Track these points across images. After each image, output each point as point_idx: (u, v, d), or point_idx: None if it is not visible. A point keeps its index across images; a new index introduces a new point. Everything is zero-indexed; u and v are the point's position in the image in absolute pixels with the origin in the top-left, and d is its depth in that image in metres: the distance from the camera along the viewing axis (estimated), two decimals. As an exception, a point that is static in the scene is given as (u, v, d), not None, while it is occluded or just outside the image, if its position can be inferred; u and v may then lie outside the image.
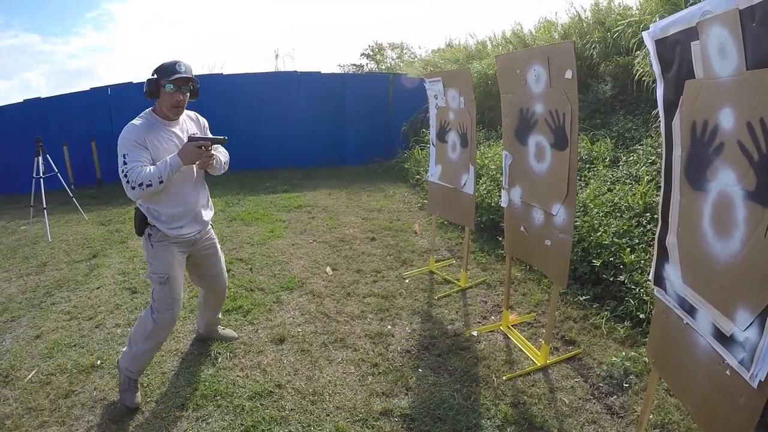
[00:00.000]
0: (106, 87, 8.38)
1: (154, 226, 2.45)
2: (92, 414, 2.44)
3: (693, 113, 1.43)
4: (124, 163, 2.24)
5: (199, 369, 2.81)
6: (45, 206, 5.61)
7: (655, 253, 1.75)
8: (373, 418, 2.37)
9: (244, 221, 5.84)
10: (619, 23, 5.94)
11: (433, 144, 4.16)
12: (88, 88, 8.39)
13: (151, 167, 2.28)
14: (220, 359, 2.89)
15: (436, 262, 4.34)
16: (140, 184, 2.21)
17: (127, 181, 2.22)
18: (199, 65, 23.89)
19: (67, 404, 2.51)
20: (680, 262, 1.57)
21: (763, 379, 1.18)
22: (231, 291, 3.80)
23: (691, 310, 1.51)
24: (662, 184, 1.67)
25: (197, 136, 2.49)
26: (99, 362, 2.88)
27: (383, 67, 17.51)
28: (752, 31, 1.17)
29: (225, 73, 8.95)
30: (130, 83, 8.42)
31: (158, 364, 2.86)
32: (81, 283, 4.12)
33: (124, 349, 2.62)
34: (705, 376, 1.45)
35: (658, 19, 4.93)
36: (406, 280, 4.02)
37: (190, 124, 2.57)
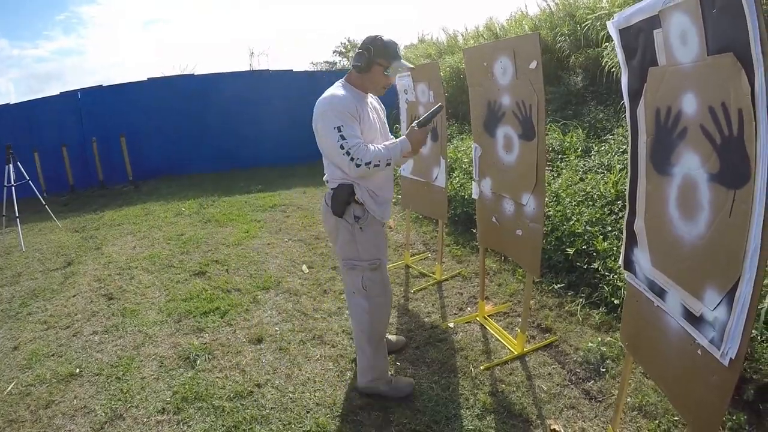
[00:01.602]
0: (77, 91, 8.18)
1: (364, 207, 2.27)
2: (73, 423, 2.41)
3: (657, 100, 1.47)
4: (342, 137, 2.06)
5: (179, 372, 2.78)
6: (17, 215, 5.47)
7: (624, 238, 1.79)
8: (353, 412, 2.37)
9: (219, 222, 5.76)
10: (588, 16, 6.05)
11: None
12: (57, 93, 8.16)
13: (379, 146, 2.15)
14: (198, 361, 2.86)
15: (411, 256, 4.35)
16: (367, 163, 2.07)
17: (351, 158, 2.06)
18: (170, 66, 23.52)
19: (48, 414, 2.48)
20: (648, 246, 1.61)
21: (733, 357, 1.21)
22: (207, 293, 3.78)
23: (660, 293, 1.55)
24: (629, 171, 1.71)
25: (422, 118, 2.26)
26: (78, 370, 2.85)
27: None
28: (712, 17, 1.20)
29: (196, 73, 8.82)
30: (101, 86, 8.22)
31: (137, 369, 2.83)
32: (57, 291, 4.04)
33: (357, 371, 2.50)
34: (677, 357, 1.49)
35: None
36: (383, 276, 4.03)
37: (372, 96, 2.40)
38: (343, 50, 19.53)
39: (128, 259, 4.64)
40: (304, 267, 4.28)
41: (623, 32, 1.58)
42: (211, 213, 6.19)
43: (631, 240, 1.73)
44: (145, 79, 8.47)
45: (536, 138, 2.39)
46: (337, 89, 2.20)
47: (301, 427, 2.29)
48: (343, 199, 2.22)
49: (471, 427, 2.23)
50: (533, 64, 2.25)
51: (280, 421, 2.33)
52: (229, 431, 2.28)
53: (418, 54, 11.38)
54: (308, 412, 2.39)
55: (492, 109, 2.74)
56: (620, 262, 1.84)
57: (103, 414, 2.45)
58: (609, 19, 1.66)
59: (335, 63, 19.58)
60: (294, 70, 9.18)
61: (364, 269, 2.31)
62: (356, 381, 2.53)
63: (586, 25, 6.01)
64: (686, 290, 1.39)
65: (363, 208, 2.26)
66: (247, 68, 13.25)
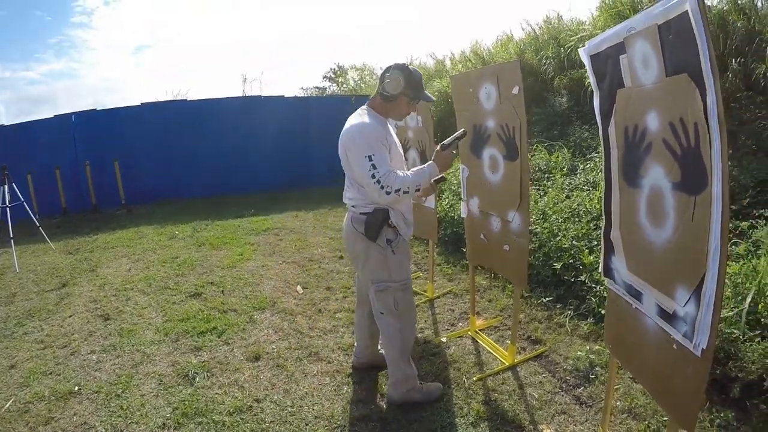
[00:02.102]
0: (71, 114, 8.27)
1: (396, 230, 2.35)
2: None
3: (625, 119, 1.62)
4: (374, 167, 2.13)
5: (178, 389, 2.81)
6: (12, 236, 5.48)
7: (602, 247, 1.92)
8: (351, 424, 2.43)
9: (213, 246, 5.82)
10: (571, 38, 6.34)
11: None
12: (51, 116, 8.25)
13: (407, 173, 2.24)
14: (197, 379, 2.90)
15: None
16: (397, 190, 2.17)
17: (381, 187, 2.14)
18: (162, 91, 23.75)
19: (48, 431, 2.50)
20: (624, 252, 1.74)
21: (705, 347, 1.32)
22: (204, 313, 3.83)
23: (637, 295, 1.68)
24: (603, 185, 1.85)
25: (446, 141, 2.35)
26: (77, 388, 2.87)
27: (346, 88, 17.81)
28: (669, 43, 1.35)
29: (189, 98, 9.00)
30: (95, 110, 8.35)
31: (136, 386, 2.86)
32: (52, 312, 4.06)
33: (388, 385, 2.57)
34: (656, 353, 1.61)
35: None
36: (375, 295, 4.12)
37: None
38: (333, 75, 19.93)
39: (123, 281, 4.66)
40: (299, 288, 4.35)
41: (593, 58, 1.74)
42: (205, 236, 6.25)
43: (609, 248, 1.86)
44: (139, 103, 8.63)
45: (519, 158, 2.54)
46: (364, 116, 2.27)
47: None
48: (377, 224, 2.29)
49: (466, 435, 2.31)
50: (515, 90, 2.41)
51: None
52: None
53: (407, 79, 11.69)
54: (307, 424, 2.44)
55: (478, 132, 2.89)
56: (600, 269, 1.96)
57: (104, 430, 2.47)
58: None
59: (325, 88, 19.97)
60: (286, 95, 9.37)
61: (395, 290, 2.40)
62: (349, 393, 2.61)
63: (570, 47, 6.29)
64: (659, 290, 1.51)
65: (395, 232, 2.35)
66: (240, 94, 13.45)
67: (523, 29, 8.24)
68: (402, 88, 2.26)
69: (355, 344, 2.95)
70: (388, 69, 2.31)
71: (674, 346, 1.46)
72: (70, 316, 3.94)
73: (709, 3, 5.45)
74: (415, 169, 2.31)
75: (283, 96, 9.34)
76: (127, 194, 8.15)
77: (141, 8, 44.50)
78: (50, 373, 3.06)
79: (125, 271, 5.01)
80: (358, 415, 2.48)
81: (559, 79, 6.44)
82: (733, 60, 4.79)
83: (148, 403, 2.70)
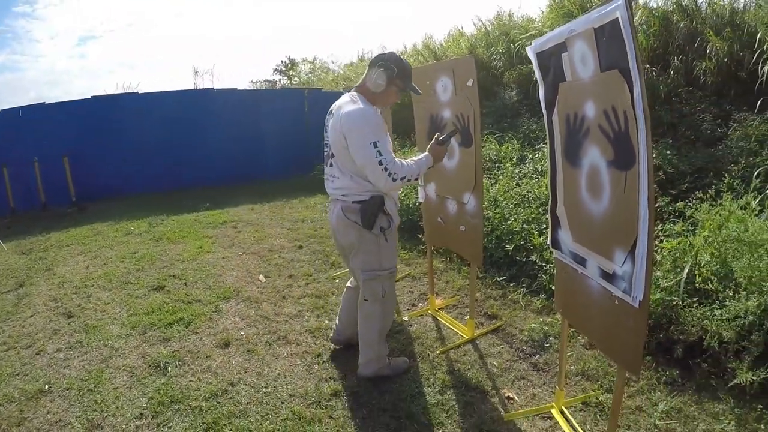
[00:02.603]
0: (18, 108, 7.80)
1: (390, 218, 2.42)
2: None
3: (566, 108, 1.86)
4: (380, 153, 2.17)
5: (151, 380, 2.84)
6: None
7: (550, 222, 2.17)
8: (325, 399, 2.57)
9: (171, 240, 5.76)
10: (521, 36, 6.67)
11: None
12: (-5, 110, 7.76)
13: (409, 161, 2.31)
14: (170, 368, 2.94)
15: None
16: (402, 178, 2.22)
17: (389, 174, 2.18)
18: (113, 83, 22.62)
19: (22, 431, 2.48)
20: (569, 225, 1.99)
21: (641, 299, 1.57)
22: (169, 305, 3.83)
23: (582, 261, 1.93)
24: (549, 167, 2.09)
25: (442, 137, 2.47)
26: (47, 387, 2.84)
27: (296, 81, 17.66)
28: (603, 43, 1.58)
29: (140, 91, 8.71)
30: (43, 103, 7.93)
31: (108, 380, 2.86)
32: (12, 313, 3.93)
33: (360, 364, 2.68)
34: (600, 310, 1.86)
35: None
36: (336, 280, 4.25)
37: None
38: (284, 69, 19.70)
39: (83, 279, 4.56)
40: (261, 277, 4.43)
41: (539, 55, 1.97)
42: (162, 231, 6.15)
43: (556, 223, 2.11)
44: (89, 97, 8.27)
45: (474, 145, 2.75)
46: (359, 103, 2.30)
47: (278, 416, 2.46)
48: (374, 212, 2.36)
49: (434, 401, 2.51)
50: (470, 82, 2.61)
51: (257, 413, 2.48)
52: (210, 428, 2.39)
53: (359, 72, 11.77)
54: (283, 403, 2.56)
55: (435, 121, 3.08)
56: (549, 241, 2.21)
57: (80, 425, 2.47)
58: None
59: (275, 81, 19.71)
60: (238, 88, 9.27)
61: (384, 278, 2.52)
62: (357, 369, 2.74)
63: (519, 43, 6.62)
64: (600, 255, 1.76)
65: (388, 219, 2.44)
66: (190, 86, 13.09)
67: (474, 25, 8.53)
68: (394, 77, 2.35)
69: (337, 323, 3.03)
70: (381, 57, 2.37)
71: (616, 302, 1.71)
72: (31, 316, 3.83)
73: (654, 3, 5.92)
74: (416, 158, 2.40)
75: (235, 89, 9.23)
76: (78, 191, 7.81)
77: (88, -2, 42.10)
78: (17, 374, 3.00)
79: (83, 268, 4.88)
80: (330, 391, 2.63)
81: (509, 73, 6.76)
82: (675, 58, 5.22)
83: (123, 395, 2.71)
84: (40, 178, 7.54)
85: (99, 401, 2.67)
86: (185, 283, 4.32)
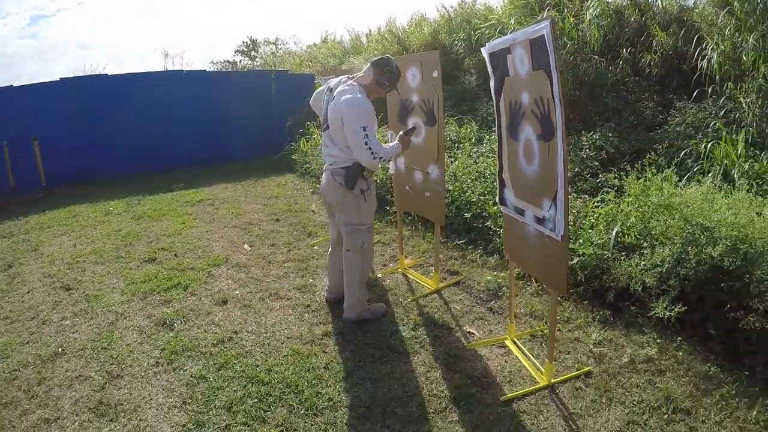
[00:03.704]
0: None
1: (368, 181, 2.98)
2: (72, 390, 2.67)
3: (509, 96, 2.43)
4: (366, 136, 2.72)
5: (160, 335, 3.17)
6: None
7: (498, 184, 2.77)
8: (318, 339, 3.08)
9: (152, 218, 6.02)
10: (482, 25, 7.16)
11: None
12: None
13: (386, 146, 2.90)
14: (175, 324, 3.30)
15: None
16: (381, 158, 2.79)
17: (372, 153, 2.74)
18: (80, 67, 21.61)
19: (44, 389, 2.68)
20: (512, 185, 2.59)
21: (563, 234, 2.16)
22: (163, 274, 4.16)
23: (521, 212, 2.54)
24: (497, 140, 2.67)
25: (406, 131, 3.10)
26: (60, 350, 3.07)
27: (258, 63, 17.70)
28: (535, 51, 2.14)
29: (110, 73, 8.71)
30: (10, 87, 7.84)
31: (120, 338, 3.16)
32: (7, 291, 4.09)
33: (345, 308, 3.21)
34: (536, 248, 2.47)
35: (513, 21, 6.18)
36: (315, 247, 4.73)
37: None
38: (245, 49, 19.61)
39: (73, 256, 4.78)
40: (246, 246, 4.84)
41: (491, 55, 2.54)
42: (142, 210, 6.39)
43: (502, 184, 2.72)
44: (58, 79, 8.21)
45: (437, 124, 3.29)
46: (358, 93, 2.84)
47: (280, 353, 2.93)
48: (355, 176, 2.93)
49: (409, 336, 3.07)
50: (435, 73, 3.15)
51: (261, 353, 2.94)
52: (222, 367, 2.78)
53: (325, 54, 12.04)
54: (282, 343, 3.04)
55: (404, 105, 3.60)
56: (497, 200, 2.80)
57: (100, 378, 2.74)
58: (500, 27, 2.60)
59: (236, 62, 19.61)
60: (208, 70, 9.41)
61: (363, 232, 3.07)
62: (343, 315, 3.26)
63: (480, 31, 7.13)
64: (534, 205, 2.37)
65: (367, 183, 3.00)
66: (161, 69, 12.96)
67: (438, 11, 8.93)
68: (393, 81, 2.96)
69: (328, 282, 3.56)
70: (388, 62, 2.96)
71: (546, 239, 2.32)
72: (29, 292, 3.99)
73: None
74: (391, 144, 3.01)
75: (204, 71, 9.37)
76: (48, 175, 7.83)
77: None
78: (27, 342, 3.19)
79: (71, 247, 5.10)
80: (321, 333, 3.14)
81: (469, 59, 7.28)
82: (625, 49, 5.80)
83: (136, 349, 3.02)
84: (9, 162, 7.51)
85: (115, 356, 2.96)
86: (175, 254, 4.66)
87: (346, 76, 3.04)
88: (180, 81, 9.25)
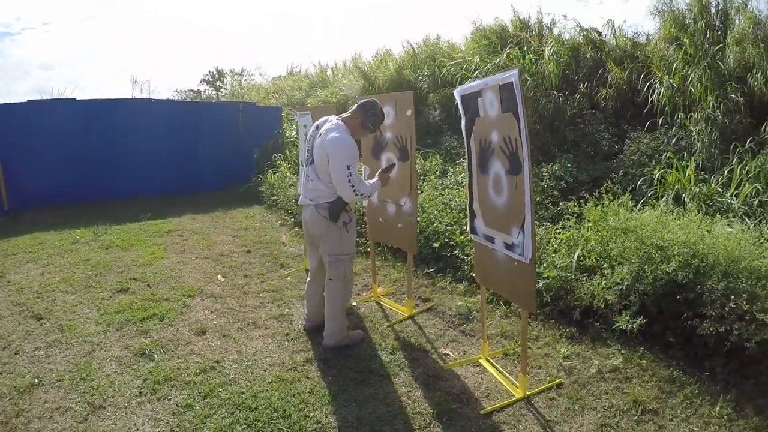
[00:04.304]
0: None
1: (349, 214, 3.17)
2: (54, 422, 2.61)
3: (479, 135, 2.72)
4: (350, 174, 2.94)
5: (140, 365, 3.14)
6: None
7: (468, 215, 3.04)
8: (300, 365, 3.15)
9: (121, 247, 5.96)
10: (447, 63, 7.56)
11: (302, 165, 5.06)
12: None
13: (368, 182, 3.17)
14: (155, 354, 3.27)
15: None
16: (362, 194, 3.03)
17: (354, 191, 2.96)
18: (42, 88, 20.82)
19: (22, 422, 2.61)
20: (482, 216, 2.85)
21: (530, 257, 2.42)
22: (137, 304, 4.12)
23: (491, 240, 2.79)
24: (467, 174, 2.94)
25: (385, 168, 3.36)
26: (37, 381, 3.00)
27: (223, 93, 17.78)
28: (504, 95, 2.43)
29: (78, 98, 8.67)
30: None
31: (98, 368, 3.11)
32: None
33: (325, 335, 3.31)
34: (506, 271, 2.71)
35: (477, 58, 6.57)
36: (288, 278, 4.82)
37: None
38: (211, 79, 19.66)
39: (41, 285, 4.66)
40: (220, 276, 4.88)
41: (463, 97, 2.83)
42: (110, 239, 6.30)
43: (473, 215, 2.99)
44: (25, 101, 8.07)
45: (410, 159, 3.54)
46: (344, 133, 3.04)
47: (264, 380, 2.97)
48: (338, 209, 3.11)
49: (388, 360, 3.21)
50: (408, 112, 3.42)
51: (245, 380, 2.97)
52: (207, 395, 2.79)
53: (291, 86, 12.28)
54: (265, 371, 3.09)
55: (378, 141, 3.86)
56: (468, 228, 3.04)
57: (82, 409, 2.69)
58: (463, 66, 2.87)
59: (200, 92, 19.57)
60: (176, 99, 9.46)
61: (346, 261, 3.24)
62: (323, 341, 3.36)
63: (446, 69, 7.52)
64: (503, 233, 2.62)
65: (349, 215, 3.20)
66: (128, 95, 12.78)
67: (403, 47, 9.34)
68: (378, 125, 3.20)
69: (306, 311, 3.67)
70: (373, 106, 3.16)
71: (515, 263, 2.57)
72: None
73: (567, 36, 7.01)
74: (371, 181, 3.25)
75: (173, 100, 9.42)
76: (11, 200, 7.58)
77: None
78: (0, 373, 3.10)
79: (38, 275, 4.99)
80: (302, 360, 3.22)
81: (434, 95, 7.65)
82: (582, 84, 6.25)
83: (117, 380, 2.97)
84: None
85: (95, 387, 2.90)
86: (148, 285, 4.64)
87: (334, 116, 3.24)
88: (148, 109, 9.25)
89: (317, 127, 3.23)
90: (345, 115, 3.24)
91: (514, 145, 2.37)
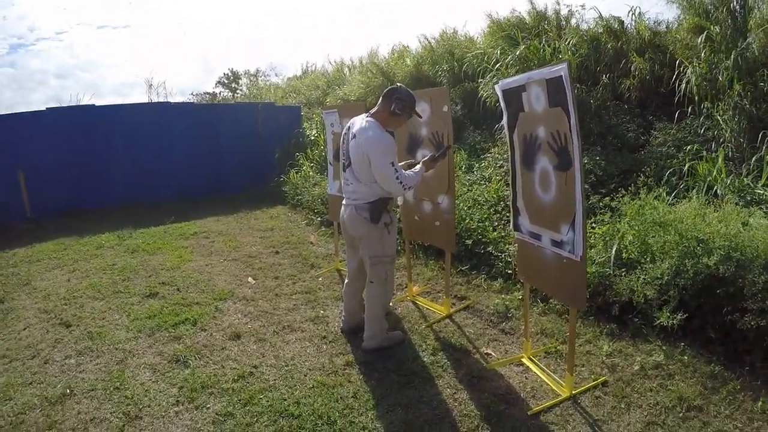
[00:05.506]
0: None
1: (391, 215, 3.09)
2: None
3: (524, 130, 2.62)
4: (396, 171, 2.87)
5: (175, 373, 3.08)
6: None
7: (512, 212, 2.95)
8: (341, 369, 3.09)
9: (147, 251, 5.97)
10: (466, 55, 7.42)
11: (330, 163, 5.02)
12: None
13: (410, 173, 3.01)
14: (190, 361, 3.21)
15: (340, 262, 5.04)
16: (410, 187, 2.97)
17: (402, 184, 2.89)
18: (57, 96, 21.14)
19: None
20: (527, 212, 2.77)
21: (581, 254, 2.33)
22: (168, 309, 4.10)
23: (538, 237, 2.70)
24: (510, 171, 2.84)
25: (437, 154, 3.25)
26: (68, 391, 2.93)
27: (239, 95, 17.84)
28: (551, 90, 2.33)
29: (98, 104, 8.67)
30: None
31: (132, 377, 3.06)
32: (0, 328, 3.95)
33: (365, 338, 3.26)
34: (554, 269, 2.62)
35: (498, 51, 6.42)
36: (320, 278, 4.77)
37: None
38: (226, 81, 19.74)
39: (68, 291, 4.66)
40: (250, 279, 4.84)
41: (504, 92, 2.74)
42: (135, 243, 6.32)
43: (516, 212, 2.90)
44: (44, 108, 8.14)
45: (447, 156, 3.44)
46: (376, 129, 2.93)
47: (305, 386, 2.91)
48: (380, 210, 3.03)
49: (430, 361, 3.14)
50: (445, 108, 3.33)
51: (286, 386, 2.91)
52: (247, 402, 2.72)
53: (307, 85, 12.22)
54: (305, 375, 3.03)
55: (413, 137, 3.77)
56: (511, 226, 2.95)
57: (118, 420, 2.62)
58: (483, 58, 2.76)
59: (215, 94, 19.67)
60: (194, 102, 9.48)
61: (387, 263, 3.15)
62: (362, 344, 3.31)
63: (465, 62, 7.39)
64: (551, 230, 2.53)
65: (390, 216, 3.11)
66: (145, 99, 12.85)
67: (420, 42, 9.13)
68: (408, 107, 3.01)
69: (343, 314, 3.60)
70: (397, 90, 3.01)
71: (564, 261, 2.48)
72: (25, 329, 3.85)
73: (584, 27, 6.84)
74: (415, 169, 3.11)
75: (192, 102, 9.44)
76: (33, 207, 7.65)
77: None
78: (30, 383, 3.04)
79: (65, 281, 4.99)
80: (343, 363, 3.15)
81: (454, 90, 7.53)
82: (604, 75, 6.07)
83: (152, 388, 2.90)
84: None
85: (129, 396, 2.83)
86: (177, 289, 4.61)
87: (363, 114, 3.13)
88: (167, 113, 9.26)
89: (349, 128, 3.15)
90: (373, 110, 3.12)
91: (563, 140, 2.27)
